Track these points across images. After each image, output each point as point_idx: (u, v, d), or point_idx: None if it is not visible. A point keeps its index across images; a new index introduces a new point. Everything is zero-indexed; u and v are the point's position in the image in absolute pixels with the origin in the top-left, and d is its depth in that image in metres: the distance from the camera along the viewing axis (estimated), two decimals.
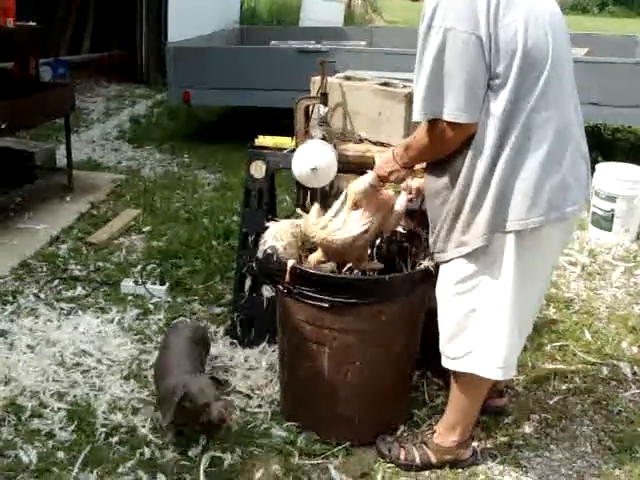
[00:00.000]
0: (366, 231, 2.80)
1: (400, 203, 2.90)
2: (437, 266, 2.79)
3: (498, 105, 2.31)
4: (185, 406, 2.74)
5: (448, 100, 2.28)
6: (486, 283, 2.52)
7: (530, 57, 2.30)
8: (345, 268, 3.06)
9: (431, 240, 2.65)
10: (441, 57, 2.26)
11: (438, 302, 2.71)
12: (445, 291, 2.64)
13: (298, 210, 3.12)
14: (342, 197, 2.87)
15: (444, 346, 2.70)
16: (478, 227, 2.43)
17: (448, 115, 2.29)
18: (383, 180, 2.73)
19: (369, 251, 3.03)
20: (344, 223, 2.83)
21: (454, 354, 2.67)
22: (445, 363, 2.72)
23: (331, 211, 2.88)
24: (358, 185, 2.77)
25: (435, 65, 2.27)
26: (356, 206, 2.79)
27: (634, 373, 3.56)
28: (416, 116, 2.38)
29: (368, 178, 2.75)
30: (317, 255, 2.92)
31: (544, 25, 2.35)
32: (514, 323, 2.57)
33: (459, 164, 2.42)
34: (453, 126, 2.32)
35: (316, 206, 2.97)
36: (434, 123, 2.35)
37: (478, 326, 2.58)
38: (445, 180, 2.48)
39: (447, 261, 2.59)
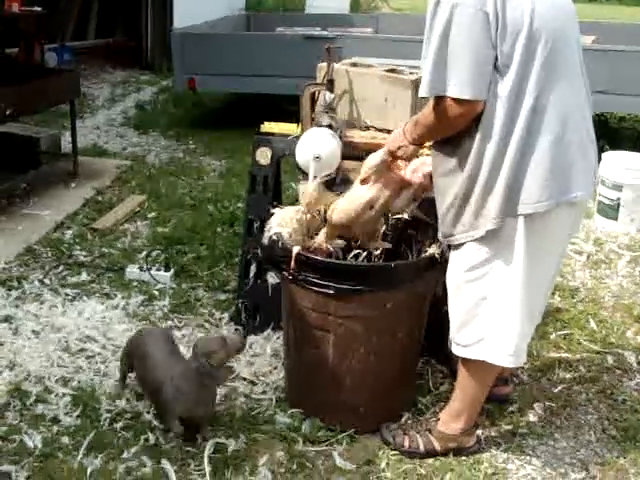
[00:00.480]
0: (371, 206, 2.78)
1: (413, 180, 2.85)
2: (442, 254, 2.79)
3: (504, 86, 2.29)
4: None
5: (453, 76, 2.26)
6: (497, 270, 2.50)
7: (536, 38, 2.28)
8: (356, 244, 3.04)
9: (440, 224, 2.63)
10: (447, 33, 2.24)
11: (448, 290, 2.69)
12: (455, 279, 2.63)
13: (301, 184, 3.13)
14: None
15: (455, 334, 2.69)
16: (489, 211, 2.41)
17: (452, 91, 2.27)
18: (392, 155, 2.71)
19: (381, 229, 3.01)
20: (348, 197, 2.82)
21: (465, 342, 2.65)
22: (456, 350, 2.70)
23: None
24: (371, 159, 2.77)
25: (442, 41, 2.25)
26: (365, 181, 2.78)
27: (639, 362, 3.56)
28: (422, 92, 2.36)
29: (380, 152, 2.75)
30: (322, 235, 2.91)
31: (552, 7, 2.34)
32: (525, 310, 2.56)
33: (468, 146, 2.39)
34: (458, 103, 2.28)
35: (317, 180, 2.93)
36: (440, 100, 2.32)
37: (489, 313, 2.57)
38: (454, 162, 2.46)
39: (456, 246, 2.57)
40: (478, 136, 2.36)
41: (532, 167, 2.35)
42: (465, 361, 2.71)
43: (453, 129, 2.40)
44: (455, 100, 2.28)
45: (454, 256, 2.62)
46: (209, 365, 2.70)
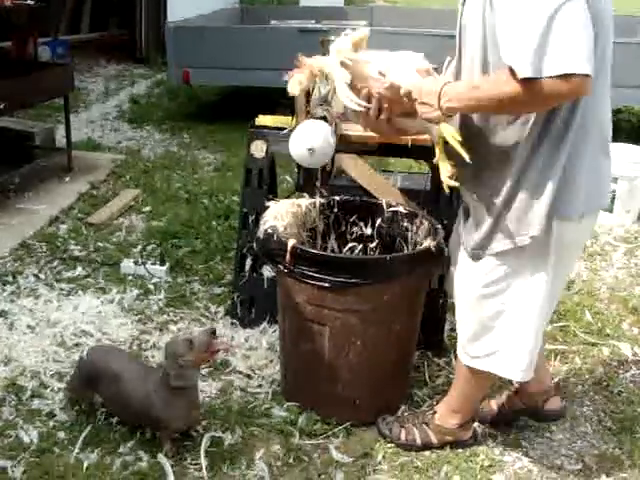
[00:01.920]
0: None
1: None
2: (438, 247, 2.78)
3: None
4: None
5: (569, 51, 1.90)
6: (519, 284, 2.39)
7: (601, 36, 2.09)
8: None
9: (470, 232, 2.46)
10: (554, 14, 1.90)
11: (461, 300, 2.59)
12: (472, 292, 2.50)
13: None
14: None
15: (466, 344, 2.61)
16: (535, 215, 2.24)
17: (570, 67, 1.89)
18: (408, 98, 2.28)
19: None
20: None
21: (476, 353, 2.58)
22: (465, 360, 2.64)
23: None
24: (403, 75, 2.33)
25: (549, 20, 1.90)
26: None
27: (634, 354, 3.57)
28: (526, 71, 1.92)
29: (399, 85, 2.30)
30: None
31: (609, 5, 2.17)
32: (541, 323, 2.50)
33: (517, 140, 2.21)
34: (567, 80, 1.90)
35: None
36: (534, 81, 1.93)
37: (505, 327, 2.47)
38: (495, 159, 2.27)
39: (476, 258, 2.44)
40: (534, 130, 2.18)
41: (582, 170, 2.23)
42: (470, 368, 2.65)
43: (538, 109, 2.11)
44: (564, 77, 1.90)
45: (472, 269, 2.48)
46: (178, 366, 2.64)
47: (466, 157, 2.16)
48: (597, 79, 2.03)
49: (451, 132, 2.22)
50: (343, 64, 2.41)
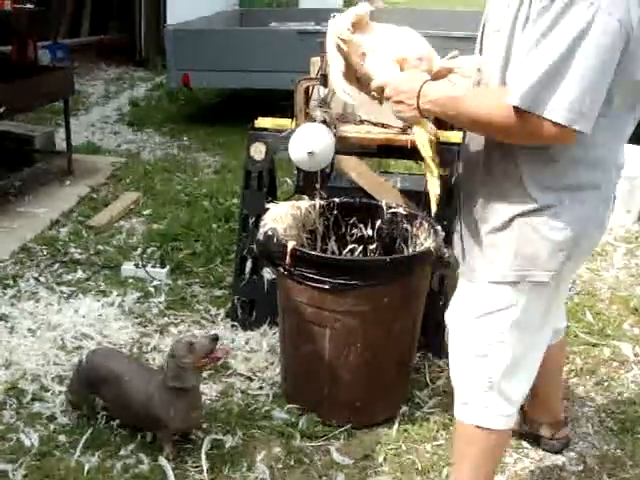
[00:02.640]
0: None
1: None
2: (438, 248, 2.78)
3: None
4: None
5: (569, 98, 1.74)
6: (518, 315, 2.12)
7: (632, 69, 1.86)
8: None
9: (474, 256, 2.18)
10: (579, 42, 1.71)
11: (451, 331, 2.31)
12: (463, 321, 2.23)
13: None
14: None
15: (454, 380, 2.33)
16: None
17: (562, 116, 1.75)
18: (378, 93, 2.13)
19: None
20: None
21: (465, 399, 2.28)
22: (458, 411, 2.33)
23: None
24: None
25: (568, 51, 1.72)
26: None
27: (636, 354, 3.56)
28: (514, 99, 1.78)
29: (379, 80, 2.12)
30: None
31: None
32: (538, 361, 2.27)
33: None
34: (560, 128, 1.77)
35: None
36: (529, 115, 1.79)
37: (495, 367, 2.18)
38: (505, 177, 2.02)
39: (473, 280, 2.19)
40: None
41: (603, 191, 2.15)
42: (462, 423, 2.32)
43: (520, 142, 1.94)
44: (557, 125, 1.77)
45: (467, 292, 2.22)
46: (176, 367, 2.64)
47: (434, 173, 2.10)
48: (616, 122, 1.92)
49: (424, 140, 2.06)
50: (339, 48, 2.27)
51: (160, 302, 3.88)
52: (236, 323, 3.64)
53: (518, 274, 2.06)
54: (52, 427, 2.90)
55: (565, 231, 2.00)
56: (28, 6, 7.46)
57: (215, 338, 2.66)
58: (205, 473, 2.67)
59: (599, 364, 3.47)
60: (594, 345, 3.61)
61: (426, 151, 2.11)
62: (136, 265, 4.19)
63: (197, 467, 2.71)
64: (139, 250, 4.48)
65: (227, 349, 2.97)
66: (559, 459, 2.85)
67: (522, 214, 2.01)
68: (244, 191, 3.51)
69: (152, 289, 4.02)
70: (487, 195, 2.10)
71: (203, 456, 2.74)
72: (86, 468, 2.68)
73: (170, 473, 2.66)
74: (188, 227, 4.79)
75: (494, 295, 2.12)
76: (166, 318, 3.74)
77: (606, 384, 3.32)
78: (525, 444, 2.91)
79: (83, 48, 10.91)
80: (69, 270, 4.22)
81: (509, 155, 2.00)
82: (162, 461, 2.71)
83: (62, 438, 2.84)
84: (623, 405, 3.18)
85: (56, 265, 4.28)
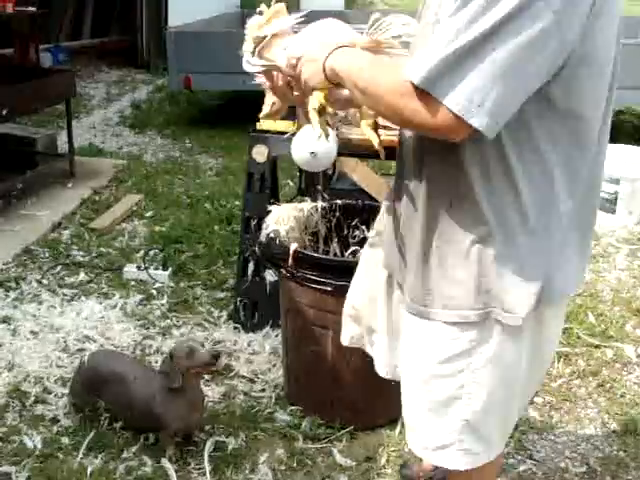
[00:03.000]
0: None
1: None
2: None
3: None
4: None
5: (477, 88, 1.39)
6: (487, 357, 1.72)
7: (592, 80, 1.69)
8: None
9: (413, 281, 1.77)
10: (507, 27, 1.37)
11: (407, 379, 2.04)
12: (423, 370, 1.87)
13: None
14: None
15: (409, 433, 2.08)
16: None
17: (463, 107, 1.40)
18: (291, 68, 1.88)
19: None
20: None
21: (425, 444, 1.98)
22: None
23: None
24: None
25: (489, 32, 1.37)
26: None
27: (638, 356, 3.56)
28: (412, 74, 1.44)
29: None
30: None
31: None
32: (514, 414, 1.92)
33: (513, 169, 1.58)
34: (461, 122, 1.42)
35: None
36: (424, 96, 1.45)
37: (461, 417, 1.82)
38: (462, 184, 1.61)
39: (430, 318, 1.75)
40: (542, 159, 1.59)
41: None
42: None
43: (409, 128, 1.71)
44: (458, 117, 1.42)
45: (424, 335, 1.79)
46: (169, 366, 2.65)
47: (318, 131, 1.79)
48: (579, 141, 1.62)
49: (315, 104, 1.77)
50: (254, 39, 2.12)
51: (162, 304, 3.89)
52: (238, 325, 3.64)
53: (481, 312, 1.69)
54: (55, 429, 2.91)
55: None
56: (30, 9, 7.49)
57: (217, 356, 2.67)
58: (208, 475, 2.68)
59: (601, 366, 3.47)
60: (596, 347, 3.61)
61: (313, 116, 1.82)
62: (138, 267, 4.19)
63: (200, 469, 2.71)
64: (141, 252, 4.48)
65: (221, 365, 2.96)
66: (562, 461, 2.85)
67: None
68: (246, 193, 3.51)
69: (154, 291, 4.02)
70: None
71: (206, 458, 2.74)
72: (89, 470, 2.68)
73: (173, 475, 2.66)
74: (190, 229, 4.80)
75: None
76: (168, 320, 3.74)
77: (608, 386, 3.32)
78: (527, 445, 2.91)
79: (85, 51, 10.93)
80: (71, 272, 4.23)
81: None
82: (165, 463, 2.71)
83: (65, 440, 2.84)
84: (626, 406, 3.18)
85: (58, 267, 4.28)
